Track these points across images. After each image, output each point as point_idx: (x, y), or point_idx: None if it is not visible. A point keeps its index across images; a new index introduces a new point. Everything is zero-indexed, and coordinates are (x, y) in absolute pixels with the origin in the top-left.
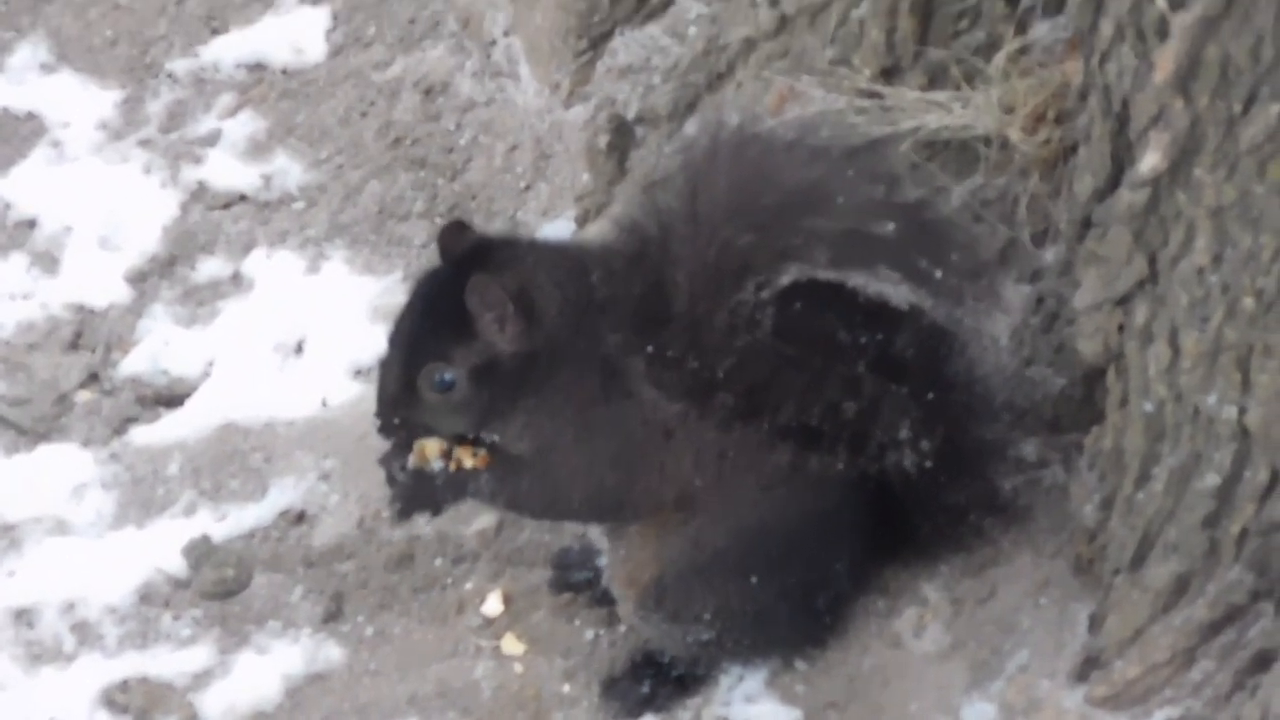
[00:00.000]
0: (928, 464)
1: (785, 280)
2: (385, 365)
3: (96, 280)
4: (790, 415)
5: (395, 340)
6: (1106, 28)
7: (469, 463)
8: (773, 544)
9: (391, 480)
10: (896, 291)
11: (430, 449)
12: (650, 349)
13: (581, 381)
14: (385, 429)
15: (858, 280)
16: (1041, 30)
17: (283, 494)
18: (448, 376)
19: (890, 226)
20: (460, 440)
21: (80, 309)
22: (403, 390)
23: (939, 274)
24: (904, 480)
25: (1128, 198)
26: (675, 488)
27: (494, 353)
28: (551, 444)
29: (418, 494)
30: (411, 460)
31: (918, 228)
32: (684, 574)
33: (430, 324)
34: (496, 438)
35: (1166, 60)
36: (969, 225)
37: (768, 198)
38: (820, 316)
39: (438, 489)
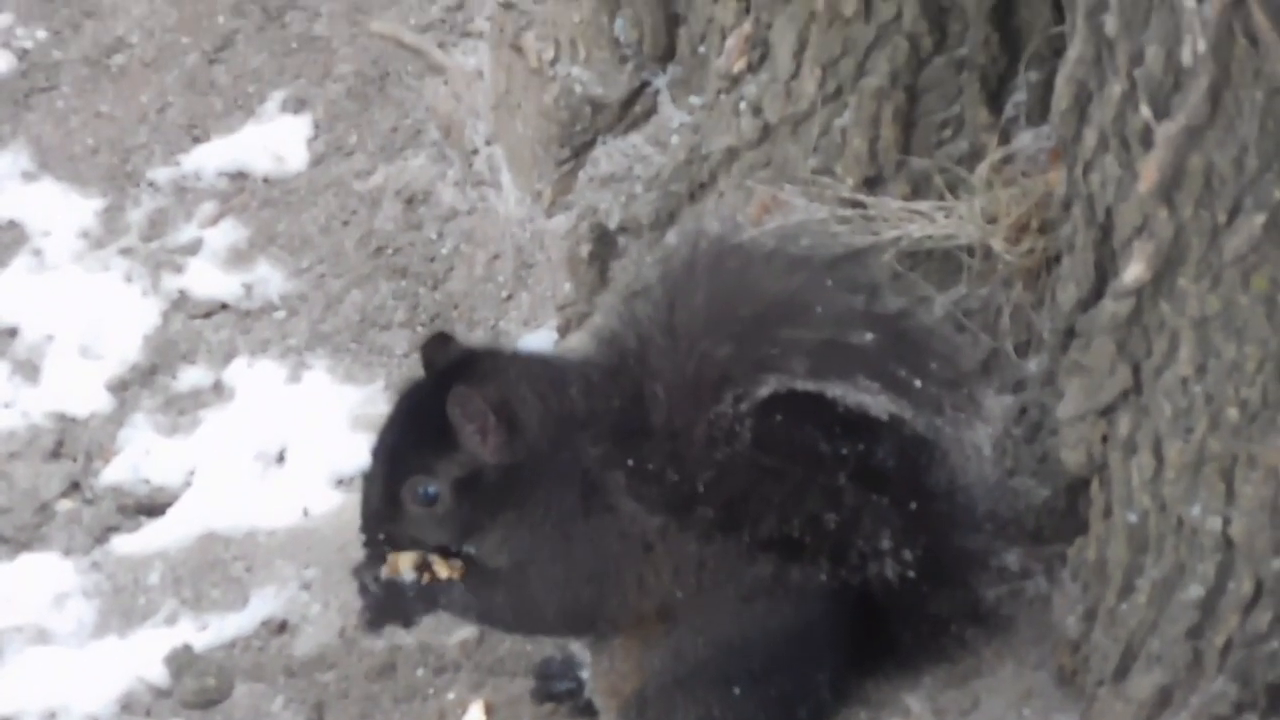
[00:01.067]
0: (910, 574)
1: (764, 391)
2: (368, 478)
3: (77, 389)
4: (771, 527)
5: (378, 453)
6: (1090, 137)
7: (444, 574)
8: (755, 655)
9: (364, 591)
10: (876, 401)
11: (404, 560)
12: (630, 462)
13: (562, 495)
14: (370, 543)
15: (837, 390)
16: (1025, 140)
17: (264, 603)
18: (431, 489)
19: (869, 336)
20: (437, 551)
21: (61, 418)
22: (386, 503)
23: (919, 384)
24: (886, 590)
25: (1111, 308)
26: (655, 600)
27: (476, 465)
28: (529, 558)
29: (389, 605)
30: (384, 571)
31: (897, 337)
32: (666, 685)
33: (413, 436)
34: (475, 550)
35: (1150, 170)
36: (949, 335)
37: (745, 308)
38: (800, 427)
39: (409, 600)
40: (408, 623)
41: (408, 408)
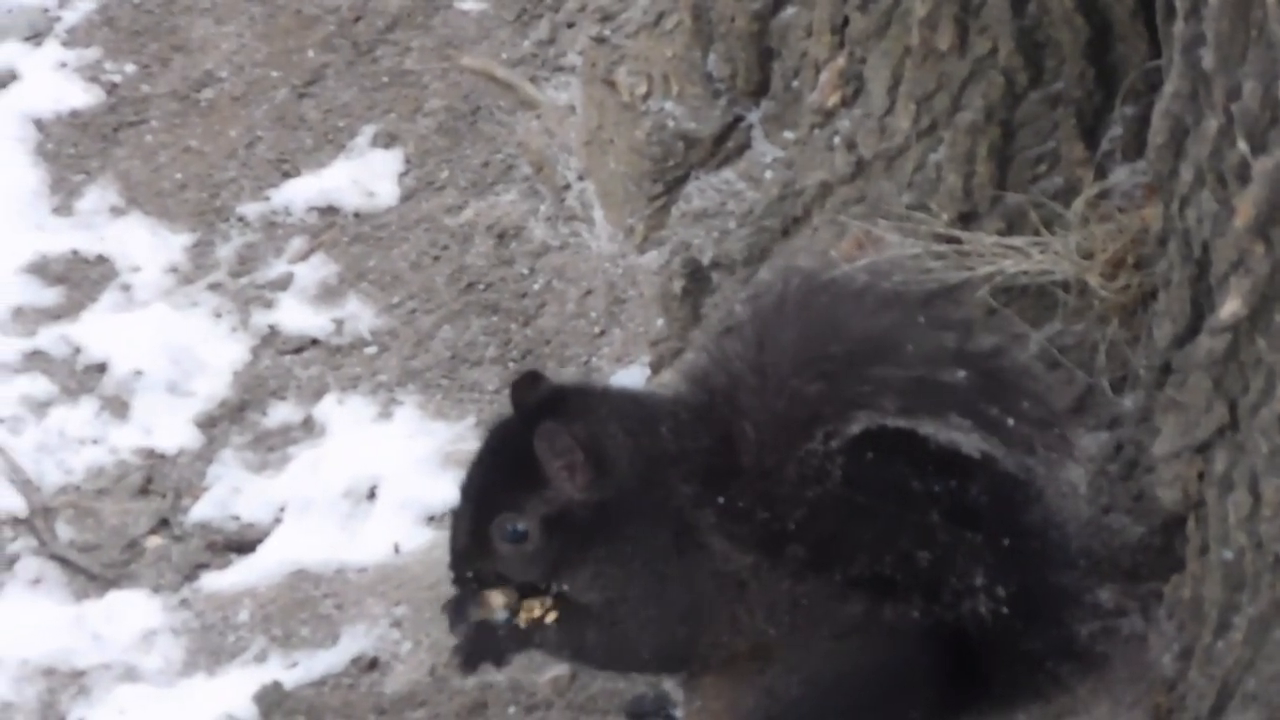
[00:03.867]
0: (1004, 611)
1: (855, 429)
2: (457, 516)
3: (166, 425)
4: (863, 565)
5: (467, 491)
6: (1186, 173)
7: (536, 613)
8: (848, 694)
9: (455, 629)
10: (968, 439)
11: (496, 599)
12: (721, 500)
13: (653, 532)
14: (459, 580)
15: (928, 428)
16: (1120, 175)
17: (354, 641)
18: (520, 527)
19: (961, 374)
20: (528, 590)
21: (150, 454)
22: (475, 541)
23: (1011, 422)
24: (980, 627)
25: (1207, 344)
26: (749, 639)
27: (565, 501)
28: (621, 595)
29: (482, 645)
30: (477, 611)
31: (989, 376)
32: None
33: (501, 474)
34: (566, 587)
35: (1247, 205)
36: (1041, 373)
37: (836, 346)
38: (891, 465)
39: (502, 640)
40: (499, 661)
41: (496, 445)
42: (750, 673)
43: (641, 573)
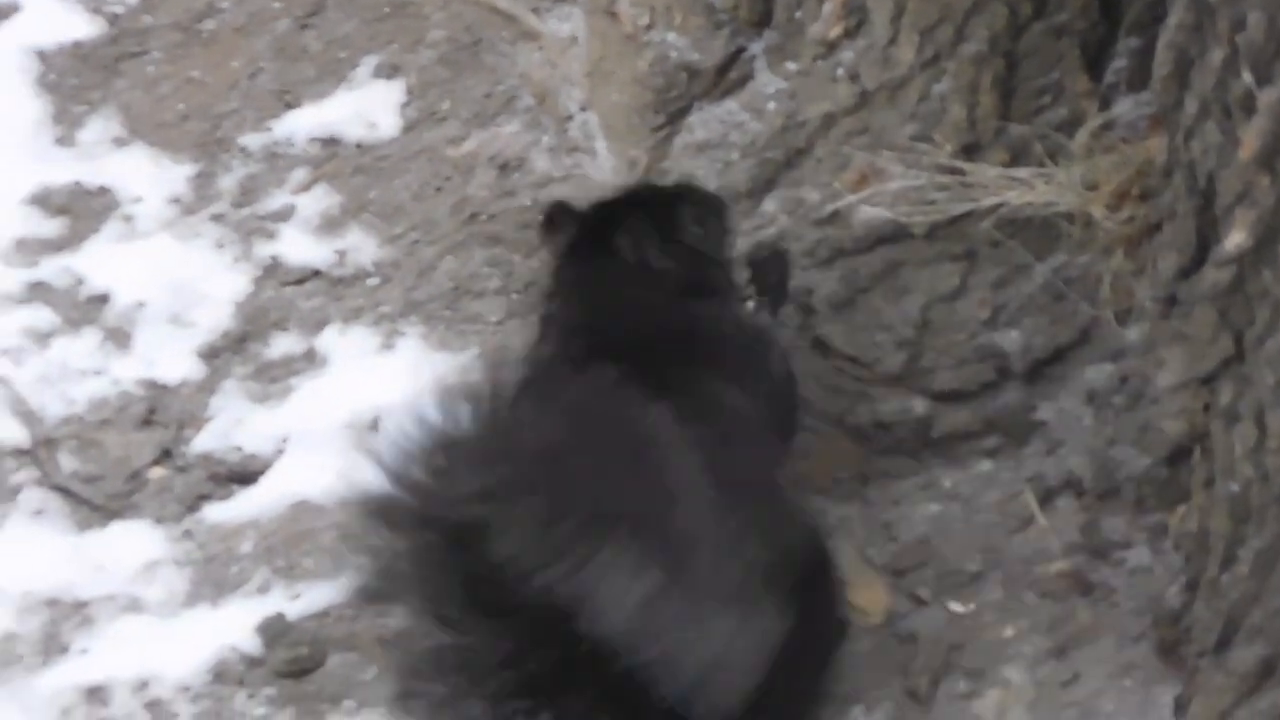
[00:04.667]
0: None
1: None
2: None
3: (169, 356)
4: None
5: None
6: (1191, 104)
7: None
8: None
9: None
10: None
11: None
12: None
13: None
14: None
15: None
16: (1125, 106)
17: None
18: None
19: None
20: None
21: (152, 385)
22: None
23: None
24: None
25: (1213, 276)
26: None
27: None
28: None
29: None
30: None
31: None
32: None
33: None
34: None
35: (1252, 137)
36: None
37: None
38: None
39: None
40: None
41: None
42: None
43: None
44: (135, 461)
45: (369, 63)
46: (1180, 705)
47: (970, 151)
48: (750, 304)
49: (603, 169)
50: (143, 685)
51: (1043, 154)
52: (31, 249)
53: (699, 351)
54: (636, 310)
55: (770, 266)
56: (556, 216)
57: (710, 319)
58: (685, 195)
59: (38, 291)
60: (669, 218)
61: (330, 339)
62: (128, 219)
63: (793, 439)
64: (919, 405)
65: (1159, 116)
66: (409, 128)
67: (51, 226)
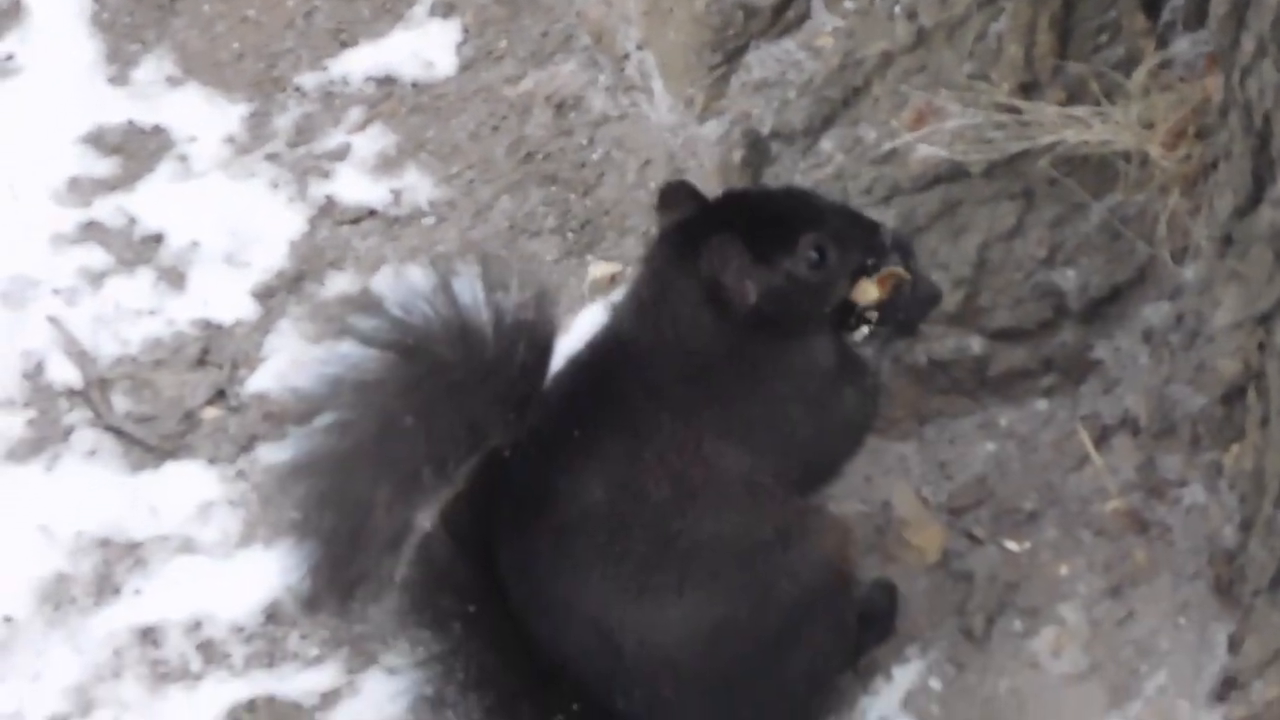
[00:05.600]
0: None
1: None
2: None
3: (223, 296)
4: None
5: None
6: (1248, 43)
7: None
8: None
9: None
10: None
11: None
12: None
13: None
14: None
15: None
16: (1182, 45)
17: None
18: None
19: None
20: None
21: (207, 325)
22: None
23: None
24: None
25: (1269, 215)
26: None
27: None
28: None
29: None
30: None
31: None
32: None
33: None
34: None
35: None
36: None
37: None
38: None
39: None
40: None
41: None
42: None
43: None
44: (189, 402)
45: (425, 1)
46: (1234, 643)
47: (1027, 90)
48: (861, 332)
49: (659, 108)
50: (196, 626)
51: (1099, 93)
52: (85, 189)
53: (677, 392)
54: (663, 331)
55: (908, 302)
56: (672, 195)
57: (751, 357)
58: (821, 220)
59: (92, 231)
60: (783, 241)
61: (385, 279)
62: (182, 158)
63: (822, 486)
64: (976, 344)
65: (1216, 55)
66: (465, 67)
67: (105, 166)
